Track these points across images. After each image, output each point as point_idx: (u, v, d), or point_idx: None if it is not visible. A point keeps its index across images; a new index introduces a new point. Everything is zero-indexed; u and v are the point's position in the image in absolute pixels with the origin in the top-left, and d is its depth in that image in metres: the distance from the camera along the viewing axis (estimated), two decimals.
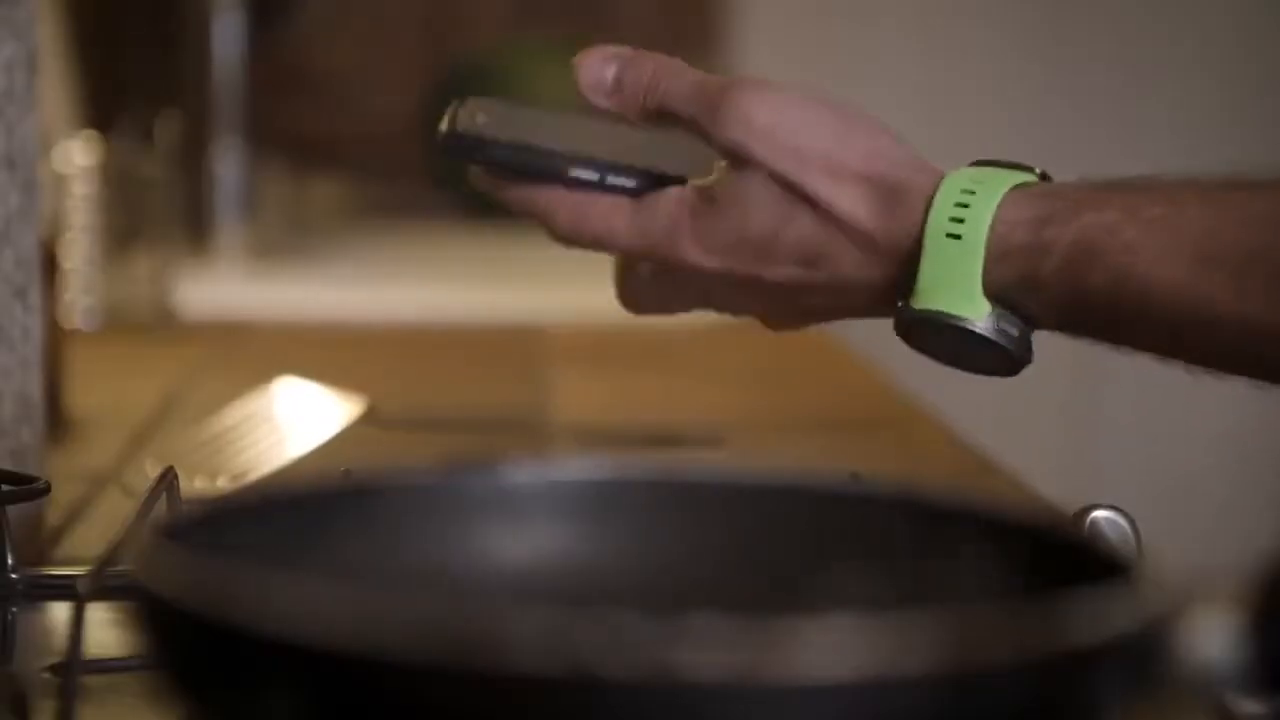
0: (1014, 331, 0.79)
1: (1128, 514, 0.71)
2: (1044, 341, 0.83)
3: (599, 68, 0.85)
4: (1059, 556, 0.51)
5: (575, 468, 0.58)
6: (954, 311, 0.79)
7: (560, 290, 1.92)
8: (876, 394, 1.39)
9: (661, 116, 0.84)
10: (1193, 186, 0.77)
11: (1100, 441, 2.47)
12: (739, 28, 2.52)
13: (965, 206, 0.78)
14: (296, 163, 2.34)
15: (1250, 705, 0.49)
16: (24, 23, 0.89)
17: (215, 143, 2.23)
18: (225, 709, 0.45)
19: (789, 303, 0.84)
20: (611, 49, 0.85)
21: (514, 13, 2.74)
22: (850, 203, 0.80)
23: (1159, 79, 2.46)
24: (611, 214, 0.84)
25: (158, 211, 1.71)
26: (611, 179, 0.85)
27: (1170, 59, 2.47)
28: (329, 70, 2.69)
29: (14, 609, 0.75)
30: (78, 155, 1.66)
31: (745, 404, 1.40)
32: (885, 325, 0.85)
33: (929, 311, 0.79)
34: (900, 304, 0.81)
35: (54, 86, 1.91)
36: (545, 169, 0.85)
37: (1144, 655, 0.45)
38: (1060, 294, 0.77)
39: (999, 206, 0.78)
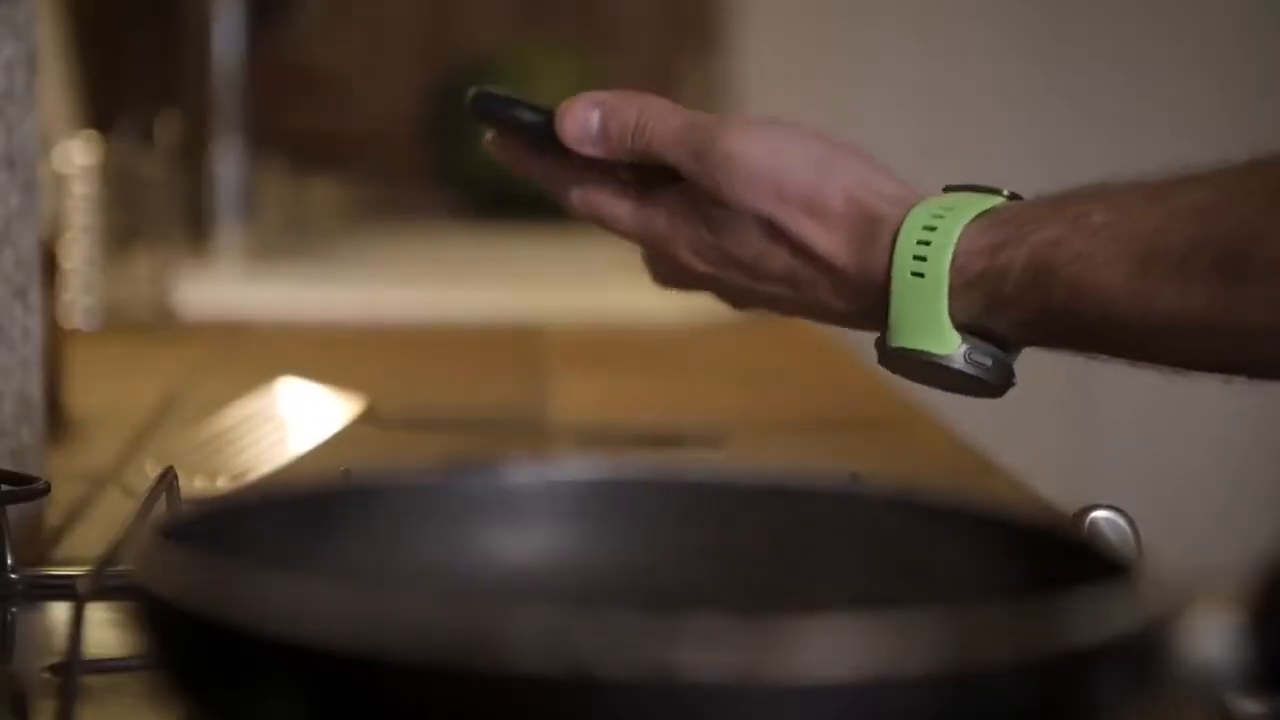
0: (987, 361, 0.81)
1: (1128, 514, 0.72)
2: None
3: (583, 116, 0.85)
4: (1059, 556, 0.51)
5: (575, 468, 0.58)
6: (926, 349, 0.81)
7: (560, 290, 1.93)
8: (876, 394, 1.39)
9: (649, 158, 0.85)
10: (1139, 189, 0.78)
11: (1100, 441, 2.47)
12: (739, 28, 2.52)
13: (927, 244, 0.80)
14: (296, 163, 2.34)
15: (1250, 705, 0.49)
16: (24, 23, 0.89)
17: (215, 143, 2.23)
18: (225, 709, 0.45)
19: (781, 309, 0.87)
20: (595, 96, 0.86)
21: (514, 13, 2.74)
22: (826, 241, 0.82)
23: (1159, 79, 2.46)
24: (618, 201, 0.86)
25: (158, 211, 1.71)
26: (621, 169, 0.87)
27: (1170, 59, 2.47)
28: (329, 70, 2.69)
29: (14, 609, 0.75)
30: (78, 155, 1.66)
31: (745, 404, 1.40)
32: None
33: (903, 349, 0.81)
34: (878, 338, 0.82)
35: (54, 86, 1.91)
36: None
37: (1144, 655, 0.45)
38: (1023, 313, 0.79)
39: (958, 239, 0.79)
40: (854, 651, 0.41)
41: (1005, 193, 0.82)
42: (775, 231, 0.82)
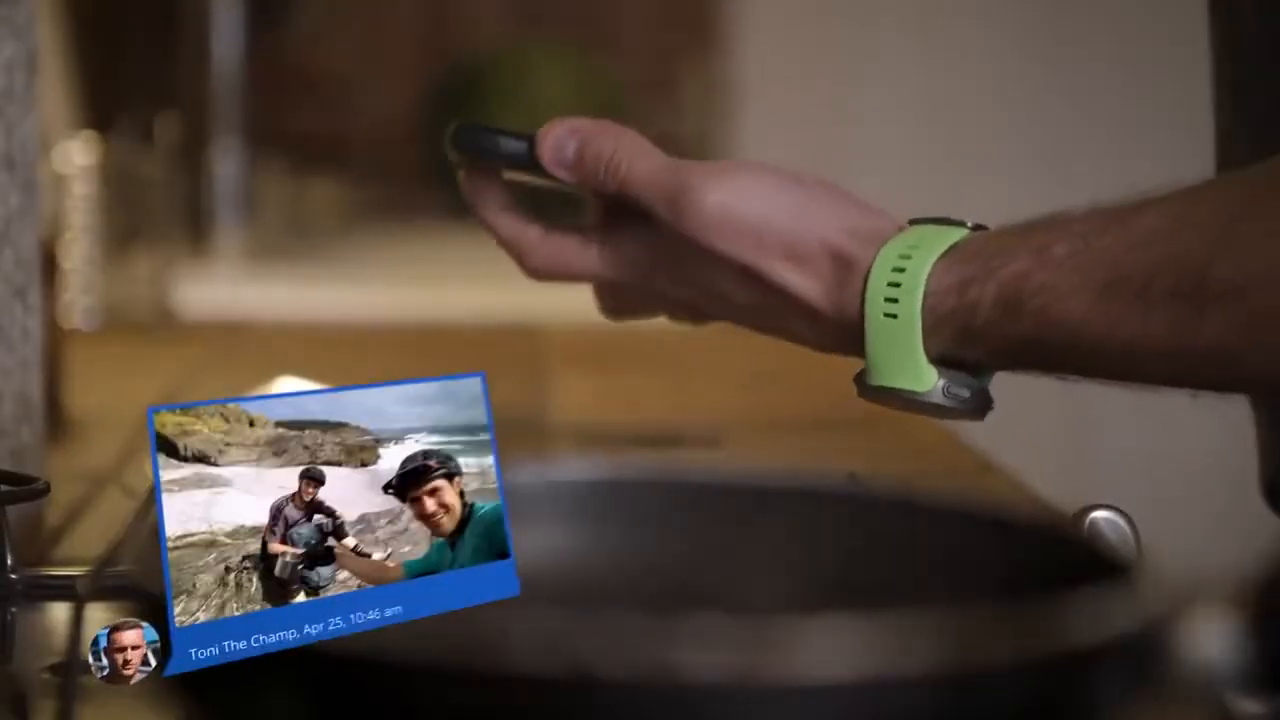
0: (965, 393, 0.83)
1: (1127, 514, 0.72)
2: None
3: (562, 140, 0.86)
4: (1059, 556, 0.51)
5: (575, 468, 0.58)
6: (905, 387, 0.82)
7: (560, 290, 1.92)
8: None
9: (619, 195, 0.85)
10: (1096, 217, 0.79)
11: (1100, 441, 2.47)
12: (739, 28, 2.52)
13: (897, 285, 0.81)
14: (296, 163, 2.34)
15: (1250, 705, 0.49)
16: (24, 23, 0.89)
17: (215, 143, 2.23)
18: (225, 709, 0.45)
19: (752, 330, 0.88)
20: (575, 122, 0.86)
21: (514, 13, 2.74)
22: (802, 285, 0.83)
23: (1159, 79, 2.46)
24: (584, 248, 0.86)
25: (158, 211, 1.71)
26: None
27: (1170, 59, 2.46)
28: (329, 70, 2.69)
29: (14, 609, 0.75)
30: (78, 155, 1.66)
31: (745, 404, 1.40)
32: None
33: (883, 388, 0.82)
34: (857, 375, 0.83)
35: (54, 86, 1.91)
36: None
37: (1144, 655, 0.45)
38: (993, 344, 0.80)
39: (927, 278, 0.80)
40: (854, 651, 0.41)
41: (969, 224, 0.83)
42: (751, 275, 0.83)
